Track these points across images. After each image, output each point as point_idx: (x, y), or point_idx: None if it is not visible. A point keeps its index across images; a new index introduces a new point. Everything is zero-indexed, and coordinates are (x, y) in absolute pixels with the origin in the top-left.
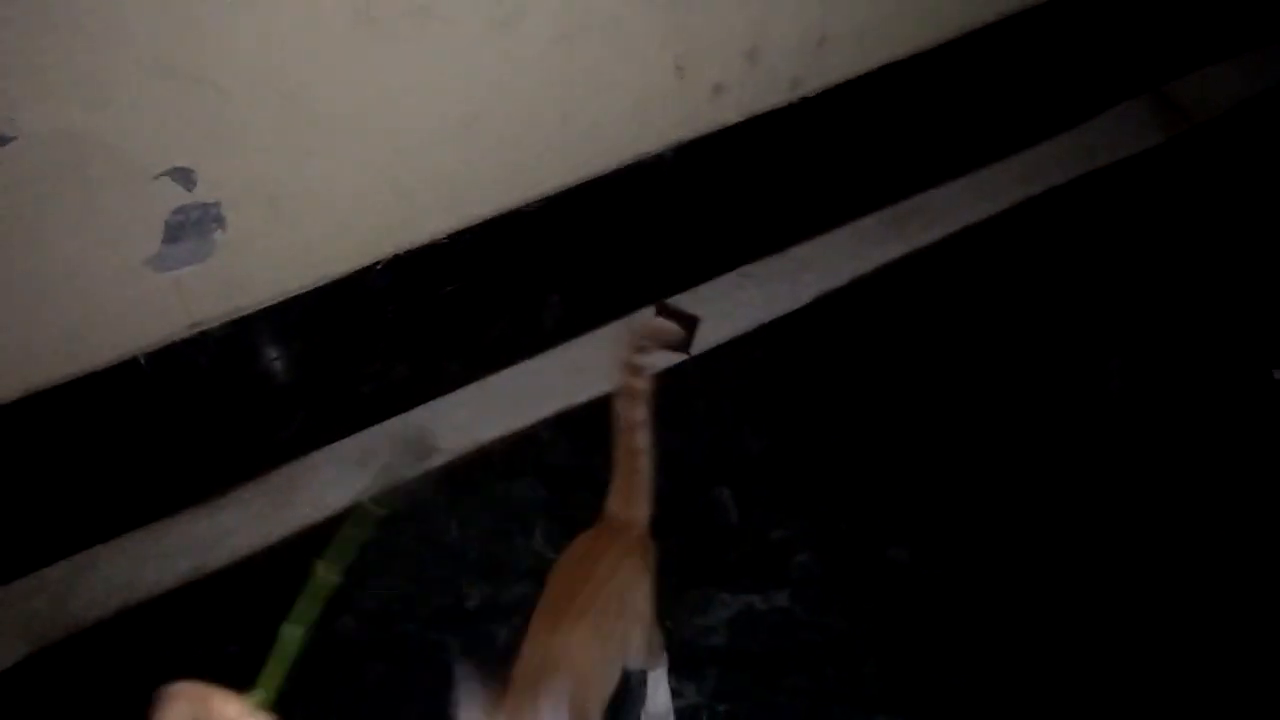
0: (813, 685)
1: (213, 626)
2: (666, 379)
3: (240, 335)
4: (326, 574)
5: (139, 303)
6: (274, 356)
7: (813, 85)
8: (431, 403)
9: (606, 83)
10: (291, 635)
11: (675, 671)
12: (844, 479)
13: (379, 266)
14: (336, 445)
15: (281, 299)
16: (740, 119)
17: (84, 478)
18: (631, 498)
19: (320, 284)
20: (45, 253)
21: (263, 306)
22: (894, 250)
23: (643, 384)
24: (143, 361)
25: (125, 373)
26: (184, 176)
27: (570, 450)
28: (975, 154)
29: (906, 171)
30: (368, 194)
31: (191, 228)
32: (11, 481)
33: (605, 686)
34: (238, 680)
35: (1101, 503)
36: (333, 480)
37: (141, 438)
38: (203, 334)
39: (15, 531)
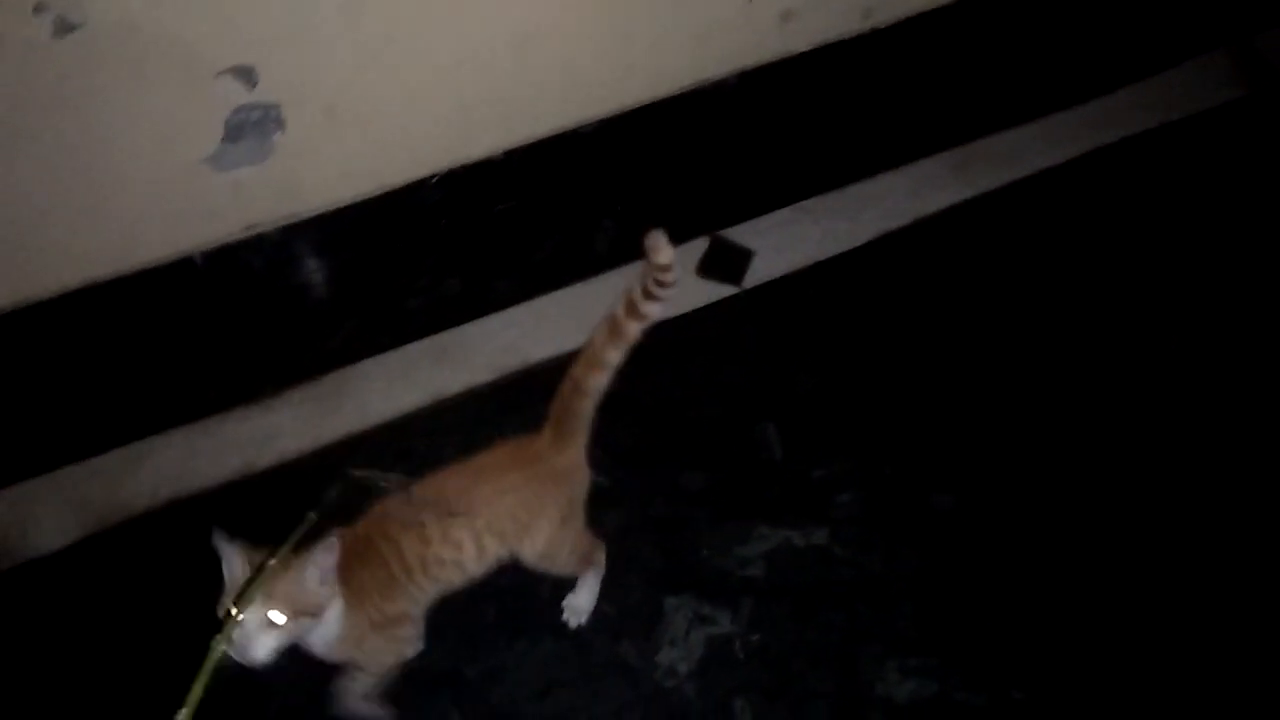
0: (846, 623)
1: (258, 524)
2: (717, 312)
3: (294, 240)
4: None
5: (197, 201)
6: (326, 263)
7: (885, 16)
8: (480, 320)
9: (672, 3)
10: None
11: (710, 599)
12: (891, 422)
13: (434, 180)
14: (384, 356)
15: (336, 206)
16: (807, 48)
17: (139, 370)
18: (561, 438)
19: (374, 194)
20: (107, 145)
21: (317, 213)
22: (958, 193)
23: (634, 328)
24: (198, 260)
25: (181, 270)
26: (246, 75)
27: (617, 376)
28: (1047, 98)
29: (975, 113)
30: (427, 106)
31: (251, 128)
32: (69, 370)
33: (420, 594)
34: None
35: (1157, 464)
36: (379, 390)
37: (195, 335)
38: (258, 236)
39: (70, 418)
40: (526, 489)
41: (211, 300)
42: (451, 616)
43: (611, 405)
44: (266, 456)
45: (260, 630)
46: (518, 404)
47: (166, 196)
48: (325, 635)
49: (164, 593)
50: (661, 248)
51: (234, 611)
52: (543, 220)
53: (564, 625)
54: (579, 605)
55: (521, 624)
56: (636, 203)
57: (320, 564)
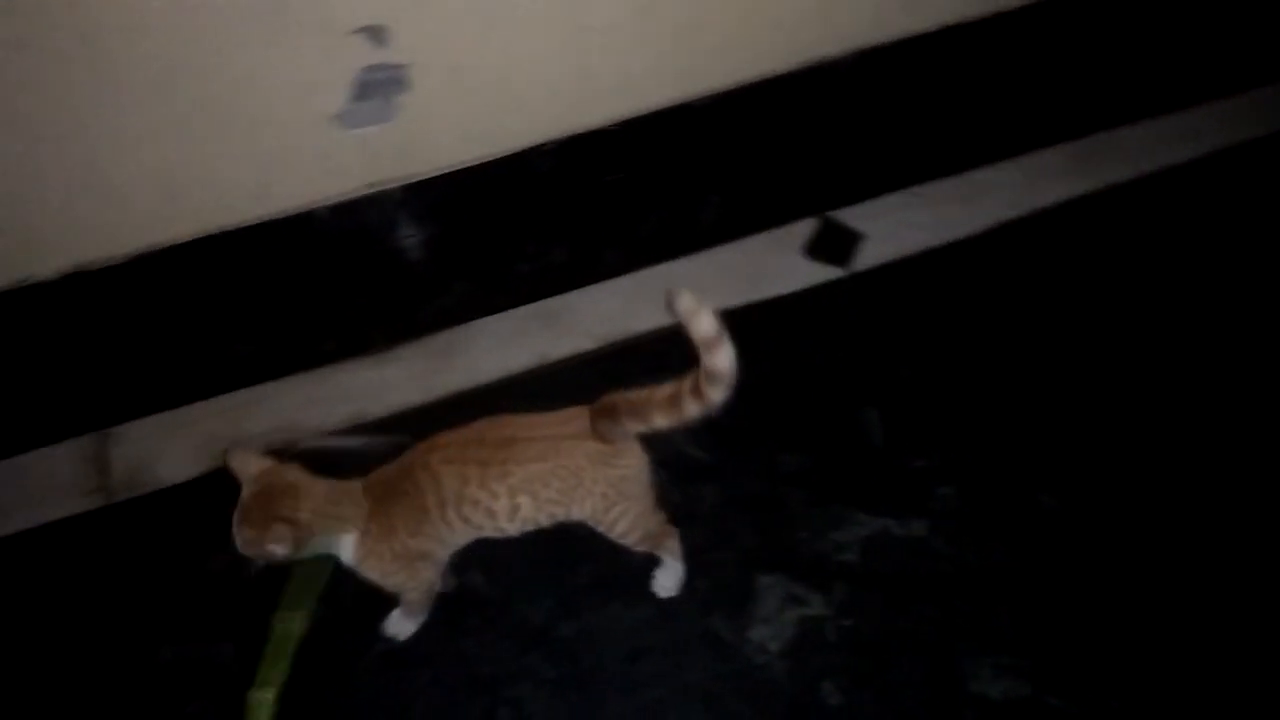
0: (941, 616)
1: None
2: (823, 294)
3: (413, 200)
4: (288, 625)
5: (323, 156)
6: (442, 224)
7: (1013, 0)
8: (586, 288)
9: None
10: (262, 700)
11: (803, 580)
12: (997, 417)
13: (548, 147)
14: (494, 318)
15: (454, 168)
16: (930, 29)
17: (263, 316)
18: (602, 434)
19: (491, 158)
20: (242, 96)
21: (436, 174)
22: (1079, 186)
23: (694, 409)
24: (322, 214)
25: (304, 223)
26: (377, 35)
27: None
28: (1178, 94)
29: (1100, 105)
30: (548, 72)
31: (379, 87)
32: (195, 312)
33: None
34: None
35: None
36: (487, 351)
37: (315, 287)
38: (379, 194)
39: (198, 358)
40: (563, 463)
41: (332, 254)
42: (548, 575)
43: None
44: (376, 408)
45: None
46: (619, 372)
47: (296, 150)
48: (345, 559)
49: None
50: (694, 312)
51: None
52: (651, 193)
53: (656, 593)
54: (663, 584)
55: (616, 588)
56: (745, 179)
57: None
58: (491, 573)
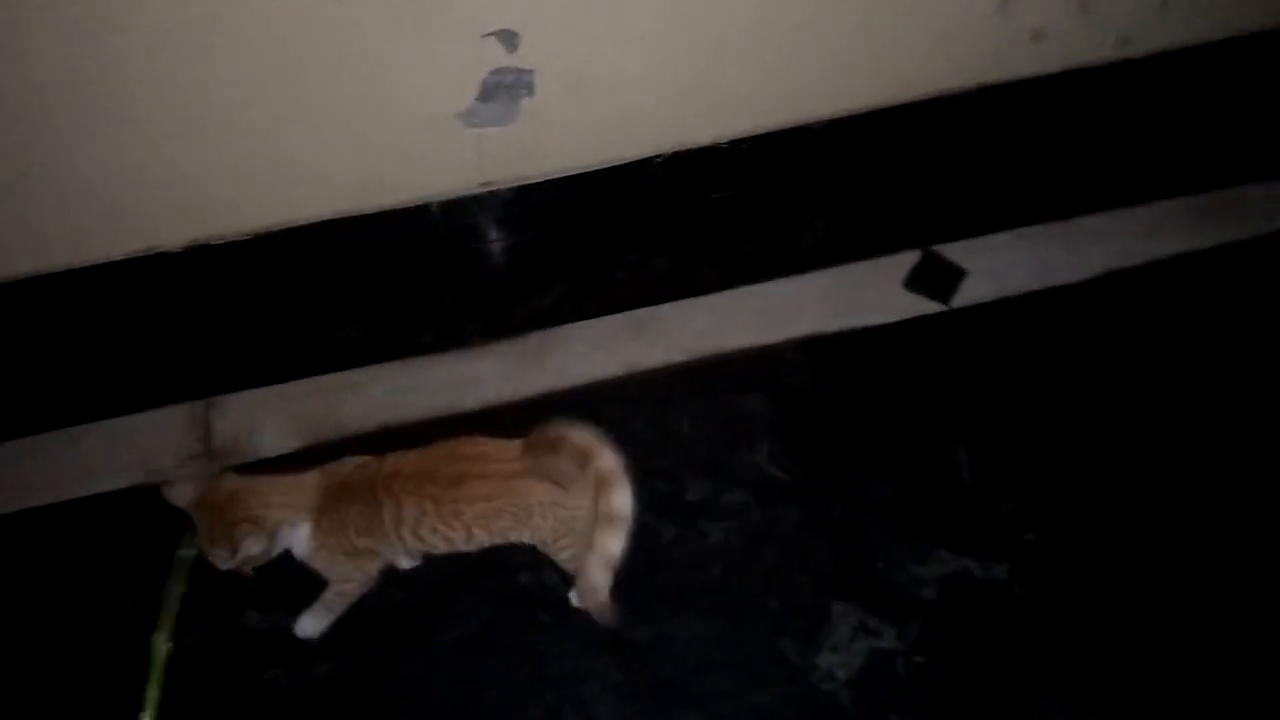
0: (1015, 664)
1: None
2: (921, 327)
3: (521, 201)
4: (162, 644)
5: (442, 153)
6: (546, 227)
7: (1142, 47)
8: (680, 301)
9: (921, 8)
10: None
11: (878, 612)
12: (1090, 468)
13: (659, 160)
14: (587, 323)
15: (565, 174)
16: (1055, 70)
17: (365, 303)
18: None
19: (602, 167)
20: (373, 88)
21: (547, 178)
22: (1198, 240)
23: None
24: (434, 209)
25: (417, 216)
26: (509, 39)
27: (810, 375)
28: None
29: (1227, 158)
30: (665, 88)
31: (504, 90)
32: (304, 293)
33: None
34: None
35: None
36: (578, 355)
37: (418, 278)
38: (491, 193)
39: (303, 337)
40: (512, 501)
41: (437, 248)
42: (623, 581)
43: (801, 403)
44: (469, 400)
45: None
46: (706, 388)
47: (417, 145)
48: (297, 550)
49: None
50: (593, 447)
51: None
52: (755, 212)
53: (730, 608)
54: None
55: (689, 600)
56: (852, 206)
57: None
58: (567, 572)
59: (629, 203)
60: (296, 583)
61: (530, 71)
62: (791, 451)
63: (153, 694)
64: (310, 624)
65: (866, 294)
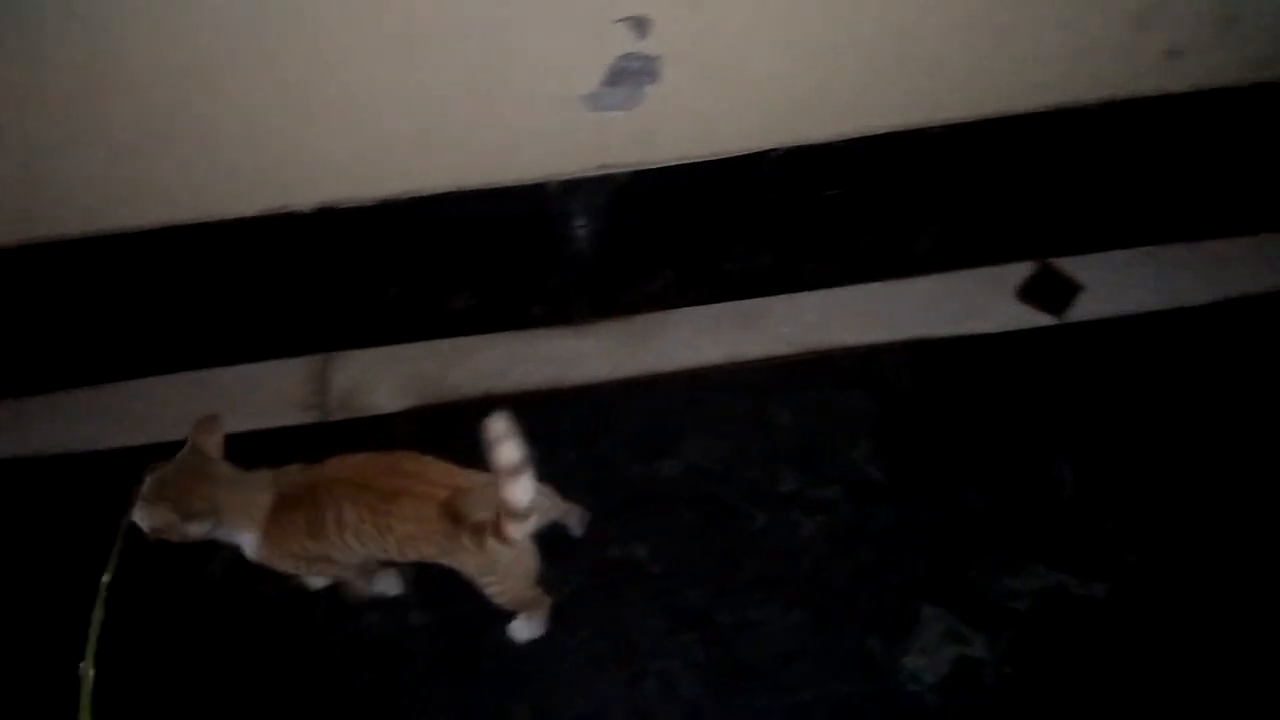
0: (1111, 689)
1: (554, 434)
2: (1031, 339)
3: (638, 186)
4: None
5: (565, 134)
6: (658, 212)
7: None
8: (787, 295)
9: (1056, 17)
10: None
11: (969, 619)
12: (1198, 494)
13: (775, 154)
14: (693, 309)
15: (682, 162)
16: (1187, 89)
17: (480, 273)
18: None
19: (718, 157)
20: (506, 66)
21: (664, 165)
22: None
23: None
24: (551, 188)
25: (535, 193)
26: (640, 26)
27: (914, 378)
28: None
29: None
30: (789, 83)
31: (631, 76)
32: (424, 259)
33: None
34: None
35: None
36: (681, 340)
37: (532, 252)
38: (608, 176)
39: (419, 301)
40: (436, 529)
41: (552, 226)
42: (712, 562)
43: (903, 405)
44: (573, 376)
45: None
46: (807, 382)
47: (542, 124)
48: (246, 552)
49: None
50: (501, 437)
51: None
52: (868, 212)
53: (818, 601)
54: (518, 632)
55: (777, 588)
56: (968, 212)
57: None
58: (657, 549)
59: (742, 194)
60: None
61: (657, 58)
62: (890, 452)
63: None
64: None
65: (977, 301)
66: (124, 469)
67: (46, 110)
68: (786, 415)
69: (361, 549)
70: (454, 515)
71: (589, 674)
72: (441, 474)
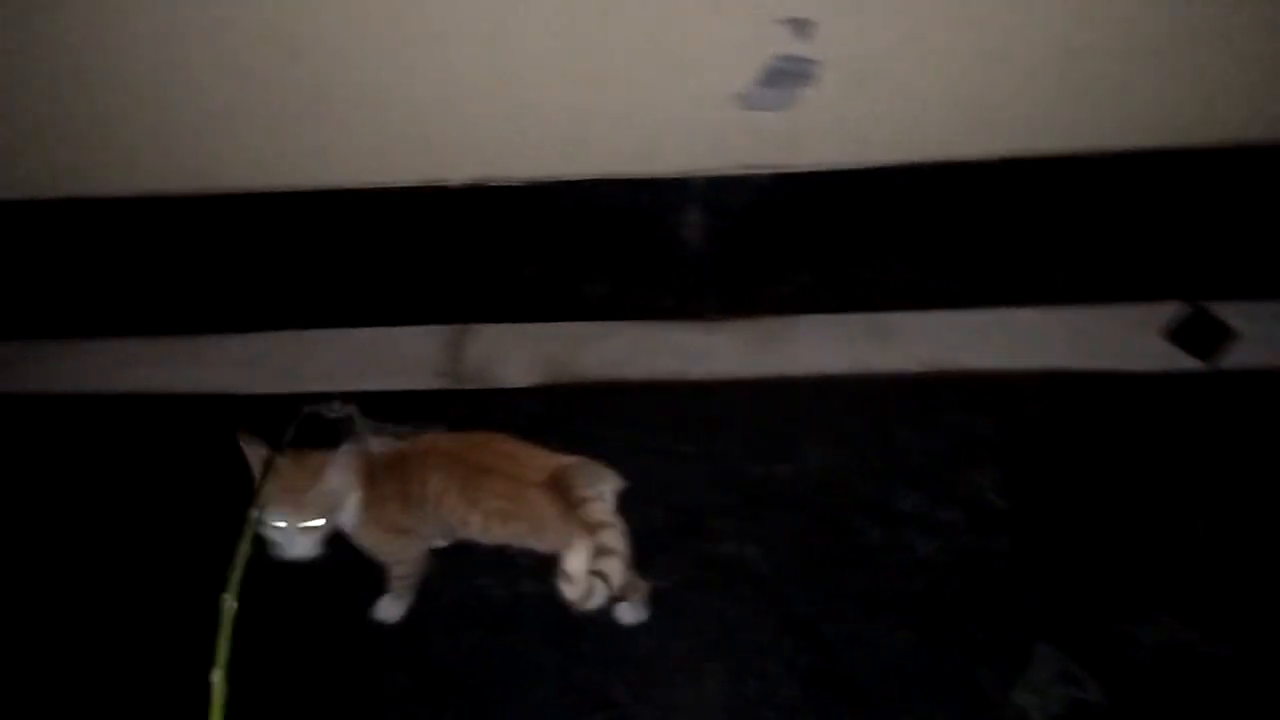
0: None
1: (674, 426)
2: (1176, 382)
3: (780, 188)
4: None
5: (713, 130)
6: (795, 216)
7: None
8: (924, 311)
9: (1234, 52)
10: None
11: (1085, 663)
12: None
13: (925, 168)
14: (824, 316)
15: (826, 168)
16: None
17: (615, 261)
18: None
19: (865, 165)
20: (666, 58)
21: (809, 169)
22: None
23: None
24: (693, 183)
25: (678, 187)
26: (802, 28)
27: (1048, 410)
28: None
29: None
30: (947, 97)
31: (786, 77)
32: (563, 242)
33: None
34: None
35: None
36: (810, 346)
37: (669, 246)
38: (751, 176)
39: (554, 282)
40: (526, 510)
41: (690, 221)
42: (824, 570)
43: (1034, 437)
44: (696, 370)
45: (298, 534)
46: (935, 402)
47: (693, 119)
48: (347, 522)
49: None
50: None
51: (274, 517)
52: (1016, 235)
53: (928, 624)
54: (623, 616)
55: (886, 604)
56: (1122, 243)
57: (342, 465)
58: (769, 551)
59: (886, 205)
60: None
61: (816, 62)
62: (1016, 482)
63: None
64: (389, 608)
65: (1121, 338)
66: (268, 413)
67: (225, 72)
68: (910, 434)
69: (440, 522)
70: (561, 486)
71: (691, 665)
72: (532, 456)
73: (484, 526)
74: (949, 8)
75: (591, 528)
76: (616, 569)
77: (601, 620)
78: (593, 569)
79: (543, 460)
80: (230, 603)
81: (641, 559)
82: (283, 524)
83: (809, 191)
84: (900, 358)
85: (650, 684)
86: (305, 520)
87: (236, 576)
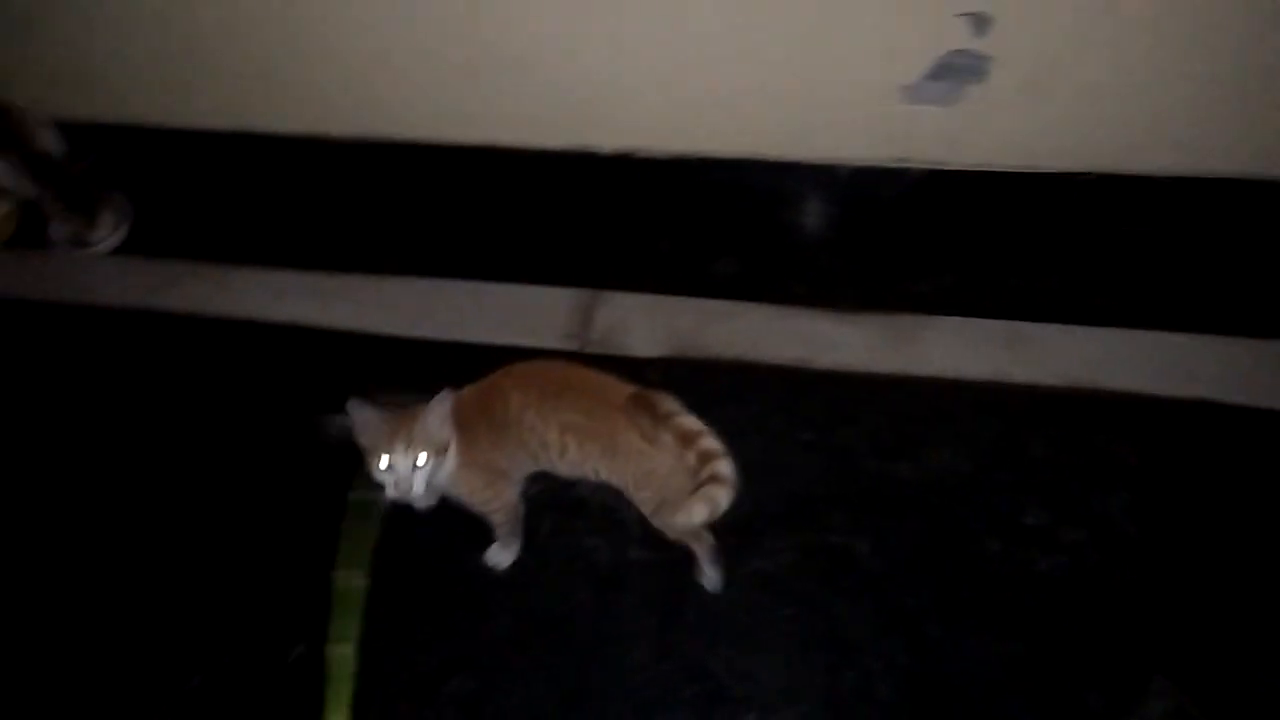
0: None
1: (794, 412)
2: None
3: (932, 184)
4: (349, 581)
5: (871, 120)
6: (942, 214)
7: None
8: (1067, 326)
9: None
10: (342, 655)
11: (1205, 705)
12: None
13: (1086, 178)
14: (962, 320)
15: (983, 169)
16: None
17: (747, 241)
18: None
19: (1023, 170)
20: (831, 43)
21: (965, 168)
22: None
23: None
24: (842, 171)
25: (824, 174)
26: (980, 24)
27: (1189, 439)
28: None
29: None
30: (1124, 107)
31: (956, 72)
32: (698, 219)
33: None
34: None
35: None
36: (945, 347)
37: (807, 231)
38: (903, 170)
39: (686, 257)
40: (600, 429)
41: (829, 209)
42: (932, 573)
43: (1175, 467)
44: (822, 359)
45: (412, 472)
46: (1072, 420)
47: (850, 107)
48: (446, 469)
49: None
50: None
51: (386, 460)
52: (1177, 256)
53: (1040, 641)
54: (706, 577)
55: (999, 615)
56: None
57: (440, 409)
58: (880, 547)
59: (1043, 213)
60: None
61: (989, 59)
62: (1149, 510)
63: (345, 625)
64: (498, 555)
65: (1276, 375)
66: (402, 356)
67: (402, 23)
68: (1042, 448)
69: (528, 443)
70: (644, 405)
71: (790, 650)
72: (610, 383)
73: (561, 445)
74: (1137, 18)
75: (688, 437)
76: (724, 497)
77: (705, 595)
78: (700, 486)
79: (621, 387)
80: (360, 580)
81: (749, 539)
82: (393, 464)
83: (962, 191)
84: (1040, 370)
85: (747, 662)
86: (414, 458)
87: (363, 552)
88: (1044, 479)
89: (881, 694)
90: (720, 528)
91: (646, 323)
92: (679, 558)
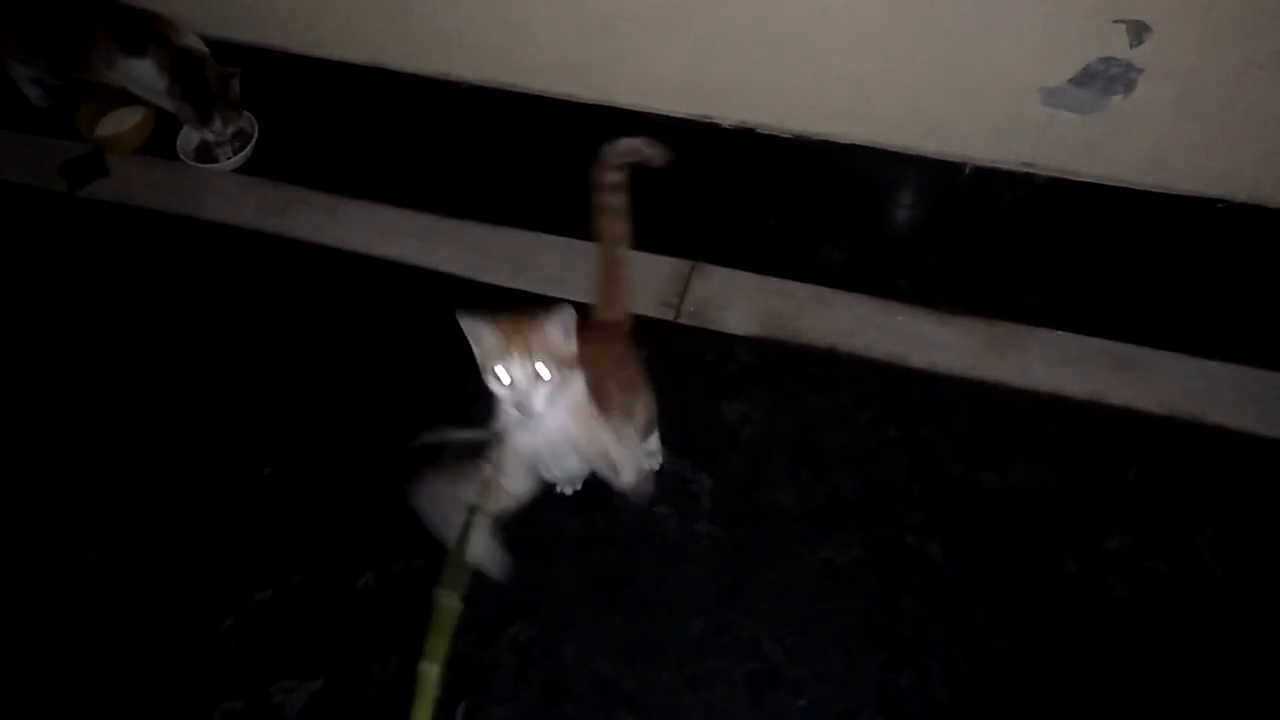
0: None
1: (881, 408)
2: None
3: (1058, 192)
4: (449, 602)
5: (1005, 120)
6: (1068, 225)
7: None
8: (1176, 354)
9: None
10: (429, 673)
11: None
12: None
13: (1222, 205)
14: (1067, 335)
15: (1113, 183)
16: None
17: (857, 230)
18: (614, 302)
19: (1159, 190)
20: (975, 37)
21: (1093, 180)
22: None
23: (618, 201)
24: (965, 169)
25: (948, 171)
26: (1137, 32)
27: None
28: None
29: None
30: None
31: (1103, 80)
32: (808, 202)
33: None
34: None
35: None
36: (1045, 361)
37: (919, 227)
38: (1030, 175)
39: (792, 239)
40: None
41: (951, 208)
42: (1005, 583)
43: (1270, 510)
44: (915, 358)
45: (532, 383)
46: (1167, 448)
47: (986, 104)
48: (571, 396)
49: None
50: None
51: (503, 371)
52: (1224, 279)
53: (1112, 665)
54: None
55: (1069, 635)
56: None
57: (563, 319)
58: (953, 554)
59: (1166, 234)
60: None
61: (1140, 70)
62: (1237, 551)
63: (437, 645)
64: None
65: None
66: (493, 303)
67: None
68: (1133, 474)
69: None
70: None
71: (849, 642)
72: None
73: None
74: None
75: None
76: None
77: (768, 579)
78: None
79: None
80: (456, 603)
81: (821, 528)
82: (512, 376)
83: (1086, 203)
84: (1141, 395)
85: (805, 648)
86: (533, 368)
87: (461, 576)
88: (1130, 505)
89: (937, 696)
90: (793, 514)
91: (743, 300)
92: (747, 537)
